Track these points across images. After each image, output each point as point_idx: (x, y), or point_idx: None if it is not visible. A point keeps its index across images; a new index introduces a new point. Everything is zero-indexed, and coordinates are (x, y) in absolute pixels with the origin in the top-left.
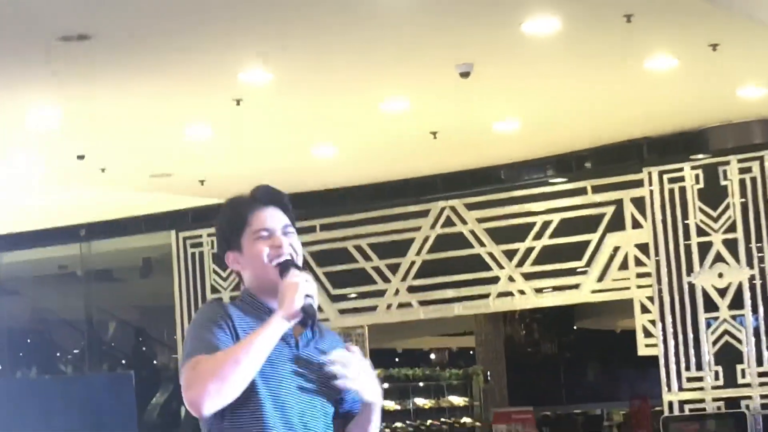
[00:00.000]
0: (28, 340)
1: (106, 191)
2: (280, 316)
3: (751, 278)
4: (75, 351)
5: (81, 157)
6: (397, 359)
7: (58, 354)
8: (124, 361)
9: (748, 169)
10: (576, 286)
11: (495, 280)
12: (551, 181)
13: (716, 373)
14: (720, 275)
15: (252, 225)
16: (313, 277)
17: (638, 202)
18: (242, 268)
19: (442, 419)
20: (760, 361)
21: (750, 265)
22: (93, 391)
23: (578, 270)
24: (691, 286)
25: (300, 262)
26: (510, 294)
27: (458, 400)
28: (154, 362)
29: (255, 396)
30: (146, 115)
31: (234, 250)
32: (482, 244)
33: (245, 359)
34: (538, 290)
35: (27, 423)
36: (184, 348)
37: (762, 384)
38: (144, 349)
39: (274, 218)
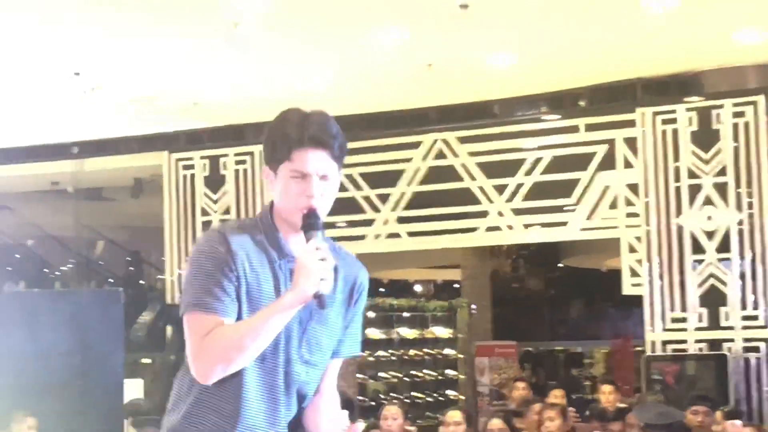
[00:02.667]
0: (17, 255)
1: (100, 109)
2: (289, 301)
3: (740, 222)
4: (63, 268)
5: (77, 74)
6: (382, 289)
7: (46, 270)
8: (111, 280)
9: (741, 114)
10: (564, 224)
11: (484, 214)
12: (544, 118)
13: (700, 315)
14: (709, 218)
15: (292, 161)
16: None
17: (630, 142)
18: (272, 190)
19: (425, 350)
20: (744, 305)
21: (739, 209)
22: (81, 307)
23: (567, 207)
24: (680, 228)
25: (327, 210)
26: (498, 228)
27: (442, 332)
28: (141, 282)
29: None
30: (143, 34)
31: (271, 170)
32: (473, 178)
33: (252, 345)
34: (527, 226)
35: (13, 336)
36: (186, 289)
37: (744, 327)
38: (132, 268)
39: (314, 162)
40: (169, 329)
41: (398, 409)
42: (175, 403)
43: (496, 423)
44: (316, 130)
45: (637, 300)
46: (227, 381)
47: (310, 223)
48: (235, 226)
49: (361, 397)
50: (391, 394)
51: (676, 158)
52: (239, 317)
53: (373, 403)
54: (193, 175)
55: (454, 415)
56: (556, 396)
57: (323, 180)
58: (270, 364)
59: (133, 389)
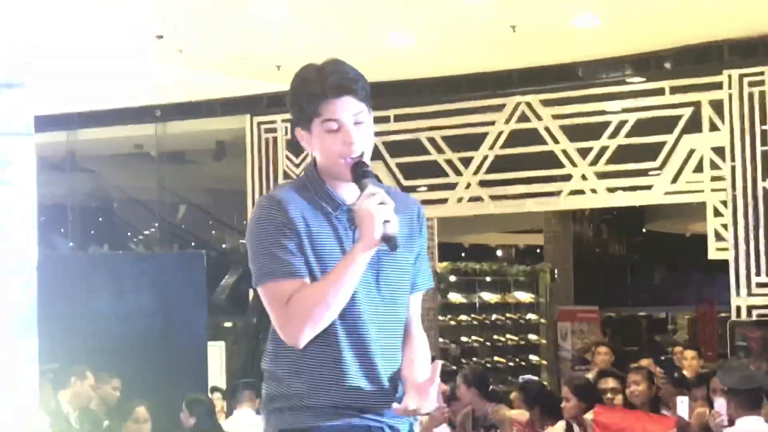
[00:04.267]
0: (100, 219)
1: (183, 72)
2: (360, 249)
3: None
4: (146, 231)
5: (160, 37)
6: (463, 254)
7: (129, 233)
8: (193, 244)
9: None
10: (649, 187)
11: (567, 177)
12: (629, 80)
13: None
14: None
15: (322, 114)
16: (382, 177)
17: (716, 105)
18: (311, 149)
19: (507, 315)
20: None
21: None
22: (164, 270)
23: (652, 171)
24: (766, 192)
25: (371, 151)
26: (582, 192)
27: (524, 297)
28: (224, 245)
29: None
30: None
31: (304, 130)
32: (556, 141)
33: (335, 301)
34: (611, 189)
35: (98, 297)
36: (254, 261)
37: None
38: (214, 232)
39: (345, 108)
40: (250, 292)
41: None
42: (271, 370)
43: (566, 391)
44: (336, 79)
45: (722, 265)
46: (317, 341)
47: (359, 172)
48: (285, 189)
49: (443, 362)
50: (473, 358)
51: (763, 121)
52: (309, 273)
53: (455, 368)
54: (275, 138)
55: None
56: (641, 364)
57: (358, 125)
58: (354, 314)
59: (215, 351)
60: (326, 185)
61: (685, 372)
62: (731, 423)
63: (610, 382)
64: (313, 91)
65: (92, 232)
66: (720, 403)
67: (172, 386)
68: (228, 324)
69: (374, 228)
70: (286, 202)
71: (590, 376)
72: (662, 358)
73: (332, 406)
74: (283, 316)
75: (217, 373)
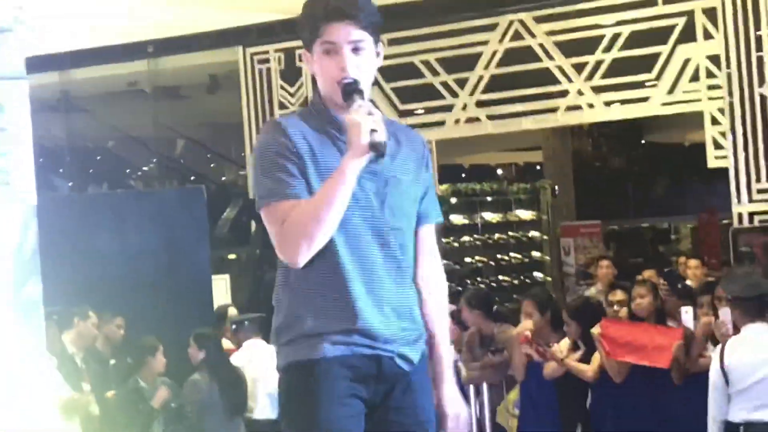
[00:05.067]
0: (98, 158)
1: (173, 7)
2: (349, 158)
3: None
4: (144, 168)
5: None
6: (464, 175)
7: (127, 171)
8: (193, 178)
9: None
10: (645, 99)
11: (564, 93)
12: None
13: None
14: None
15: (322, 36)
16: (377, 99)
17: (710, 13)
18: (314, 72)
19: (510, 233)
20: None
21: None
22: (165, 206)
23: (648, 83)
24: (763, 98)
25: (369, 81)
26: (579, 107)
27: (526, 214)
28: (223, 178)
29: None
30: None
31: (309, 51)
32: (551, 58)
33: (328, 216)
34: (607, 103)
35: (99, 237)
36: (256, 185)
37: None
38: (212, 165)
39: (343, 33)
40: (252, 224)
41: None
42: (279, 301)
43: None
44: (339, 2)
45: (722, 173)
46: (325, 266)
47: (349, 91)
48: (290, 115)
49: (448, 283)
50: (477, 278)
51: (758, 27)
52: (312, 194)
53: (460, 289)
54: (269, 69)
55: (528, 305)
56: (646, 276)
57: (356, 52)
58: (362, 240)
59: (220, 285)
60: (330, 110)
61: (689, 282)
62: (737, 331)
63: (618, 295)
64: (316, 13)
65: (90, 171)
66: (724, 312)
67: (178, 322)
68: (232, 256)
69: (361, 136)
70: (287, 125)
71: (593, 290)
72: (665, 269)
73: (341, 333)
74: (280, 236)
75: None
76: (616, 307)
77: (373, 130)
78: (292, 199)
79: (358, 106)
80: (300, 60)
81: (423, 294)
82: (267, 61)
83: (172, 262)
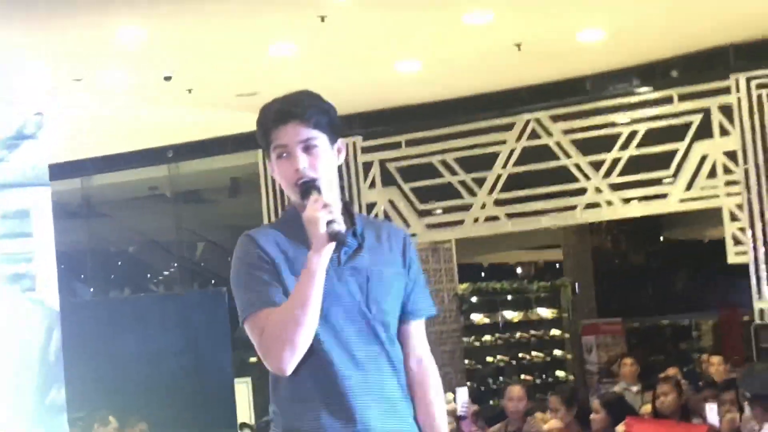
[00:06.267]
0: (119, 263)
1: (192, 112)
2: (312, 253)
3: None
4: (165, 272)
5: (168, 78)
6: (483, 273)
7: (149, 275)
8: (213, 281)
9: None
10: (663, 196)
11: (582, 191)
12: (637, 90)
13: None
14: None
15: (274, 141)
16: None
17: (726, 110)
18: (276, 178)
19: (531, 331)
20: None
21: None
22: (187, 309)
23: (665, 180)
24: None
25: (329, 179)
26: (597, 205)
27: (546, 313)
28: None
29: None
30: (231, 34)
31: (269, 160)
32: (568, 156)
33: (304, 316)
34: (626, 200)
35: (122, 341)
36: (237, 298)
37: None
38: None
39: (292, 134)
40: None
41: (522, 390)
42: (274, 413)
43: (596, 405)
44: (281, 106)
45: (742, 269)
46: (314, 369)
47: (305, 189)
48: (264, 225)
49: (469, 383)
50: (500, 377)
51: None
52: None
53: (482, 389)
54: None
55: (554, 401)
56: (670, 373)
57: (308, 151)
58: (350, 338)
59: (242, 388)
60: (301, 213)
61: (713, 377)
62: (761, 428)
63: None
64: (266, 120)
65: (112, 276)
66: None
67: (200, 426)
68: (253, 359)
69: (318, 228)
70: (259, 235)
71: (618, 388)
72: (684, 369)
73: None
74: (262, 346)
75: (245, 410)
76: (662, 399)
77: (329, 222)
78: (270, 306)
79: (314, 200)
80: None
81: (418, 395)
82: None
83: (195, 365)
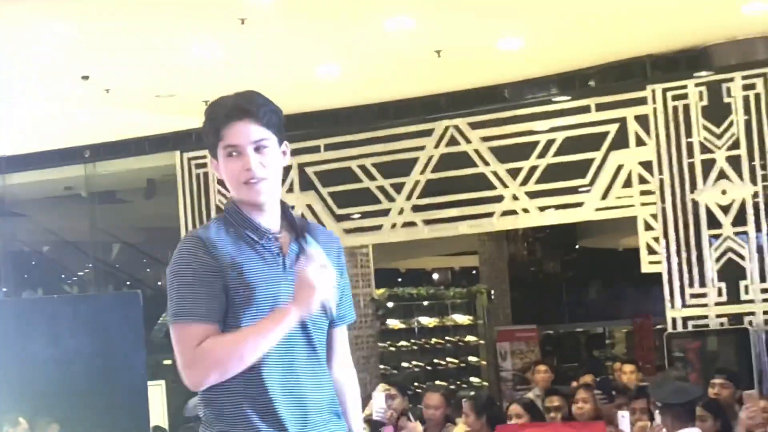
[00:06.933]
0: (33, 262)
1: (110, 112)
2: (294, 314)
3: (755, 195)
4: (80, 273)
5: (85, 78)
6: (400, 279)
7: (63, 275)
8: (128, 283)
9: (752, 86)
10: (579, 204)
11: (499, 198)
12: (555, 99)
13: (719, 289)
14: (723, 192)
15: (224, 139)
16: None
17: (642, 120)
18: (221, 177)
19: (446, 338)
20: (763, 278)
21: (753, 181)
22: (100, 311)
23: (581, 188)
24: (695, 204)
25: (276, 181)
26: (514, 212)
27: (462, 319)
28: (159, 283)
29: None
30: (150, 35)
31: (214, 158)
32: (486, 163)
33: (250, 355)
34: (542, 208)
35: (35, 342)
36: (173, 299)
37: (765, 300)
38: (149, 270)
39: (243, 133)
40: None
41: (441, 397)
42: (206, 416)
43: (515, 409)
44: (236, 102)
45: (655, 278)
46: (240, 381)
47: (299, 230)
48: (210, 226)
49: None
50: (415, 383)
51: (689, 134)
52: (235, 307)
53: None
54: (206, 174)
55: (433, 398)
56: (586, 380)
57: (259, 151)
58: (286, 339)
59: (156, 390)
60: (247, 215)
61: (626, 385)
62: None
63: (555, 401)
64: (216, 116)
65: (25, 276)
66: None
67: (113, 429)
68: (168, 361)
69: (313, 300)
70: (209, 240)
71: (531, 394)
72: (598, 378)
73: None
74: (189, 357)
75: (159, 413)
76: (553, 414)
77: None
78: (208, 323)
79: (310, 256)
80: None
81: (340, 397)
82: (204, 165)
83: (108, 367)
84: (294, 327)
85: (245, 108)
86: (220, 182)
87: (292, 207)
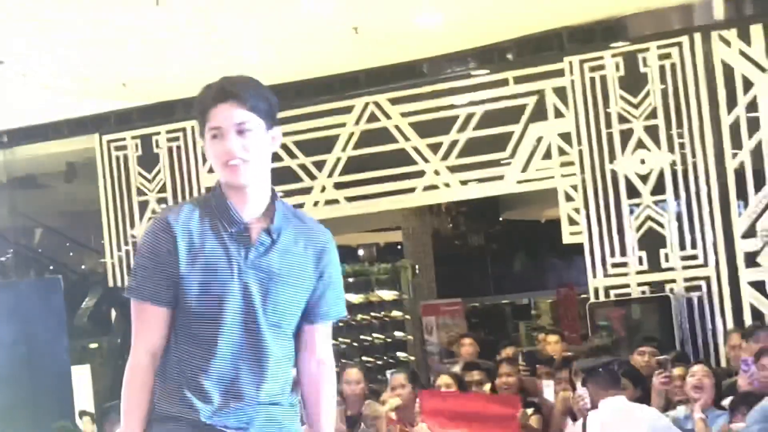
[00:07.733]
0: None
1: (27, 96)
2: None
3: (673, 164)
4: (1, 258)
5: (1, 63)
6: None
7: None
8: (51, 267)
9: (668, 56)
10: (500, 177)
11: (420, 173)
12: (473, 73)
13: (640, 258)
14: (642, 162)
15: (209, 121)
16: None
17: (560, 92)
18: (209, 158)
19: (372, 314)
20: (683, 245)
21: (671, 150)
22: (21, 297)
23: (502, 161)
24: (614, 174)
25: (261, 165)
26: (435, 187)
27: (387, 295)
28: (83, 267)
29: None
30: (66, 18)
31: (203, 139)
32: (407, 139)
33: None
34: (464, 182)
35: None
36: (132, 273)
37: (685, 267)
38: (71, 254)
39: (226, 116)
40: (113, 312)
41: (359, 372)
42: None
43: (444, 379)
44: (223, 85)
45: (578, 248)
46: (202, 351)
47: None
48: (184, 206)
49: None
50: (342, 360)
51: (606, 104)
52: (188, 296)
53: None
54: (126, 156)
55: (400, 378)
56: (509, 353)
57: (242, 134)
58: (235, 335)
59: (82, 374)
60: (228, 200)
61: (551, 356)
62: (594, 406)
63: (476, 375)
64: (203, 99)
65: None
66: (582, 386)
67: (38, 415)
68: (93, 345)
69: None
70: (175, 225)
71: (457, 368)
72: (523, 350)
73: (193, 425)
74: (134, 334)
75: (84, 397)
76: (475, 388)
77: None
78: (156, 305)
79: None
80: (158, 146)
81: (313, 396)
82: (124, 147)
83: (31, 353)
84: (237, 326)
85: (229, 90)
86: (141, 164)
87: (281, 195)
